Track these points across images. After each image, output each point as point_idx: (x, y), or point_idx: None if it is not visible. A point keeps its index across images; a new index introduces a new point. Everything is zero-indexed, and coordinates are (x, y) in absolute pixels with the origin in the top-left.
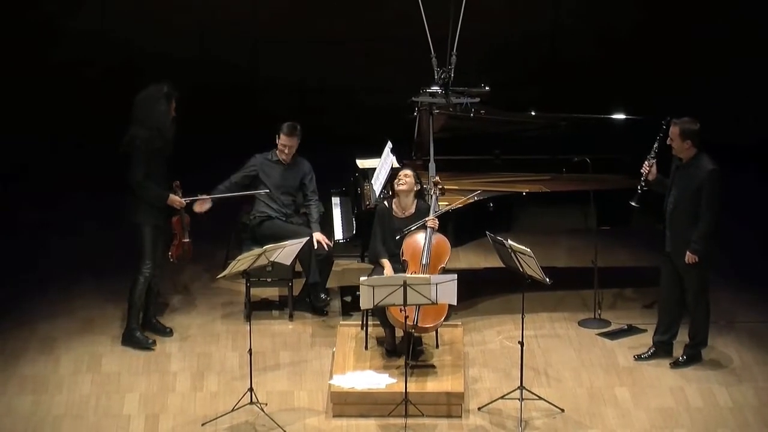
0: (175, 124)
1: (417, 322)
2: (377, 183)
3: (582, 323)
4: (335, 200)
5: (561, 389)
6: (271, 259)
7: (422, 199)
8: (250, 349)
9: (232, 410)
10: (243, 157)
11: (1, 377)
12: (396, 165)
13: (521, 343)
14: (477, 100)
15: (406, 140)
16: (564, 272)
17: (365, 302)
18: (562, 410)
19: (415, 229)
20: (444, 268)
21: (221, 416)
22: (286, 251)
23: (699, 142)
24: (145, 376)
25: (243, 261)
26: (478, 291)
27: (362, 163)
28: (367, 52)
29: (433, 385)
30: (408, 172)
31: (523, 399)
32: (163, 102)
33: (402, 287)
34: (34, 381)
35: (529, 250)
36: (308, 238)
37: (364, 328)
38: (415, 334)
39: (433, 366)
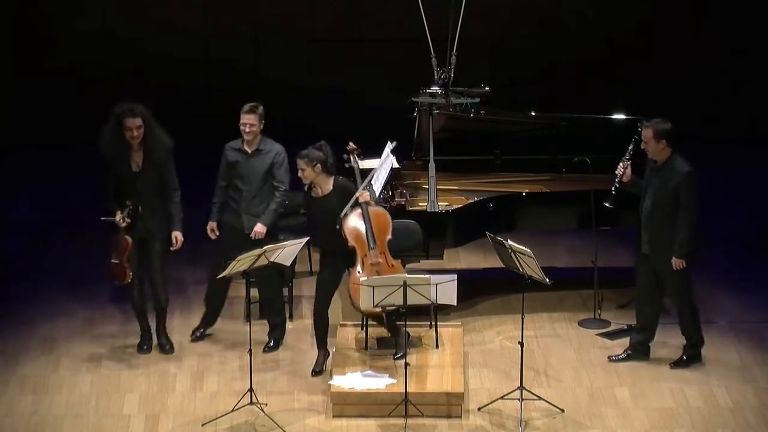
0: (132, 149)
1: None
2: (377, 183)
3: (582, 323)
4: None
5: (561, 389)
6: (271, 260)
7: (340, 175)
8: (250, 349)
9: (232, 410)
10: None
11: (2, 377)
12: (396, 165)
13: (521, 343)
14: (477, 100)
15: (406, 141)
16: (564, 272)
17: (365, 302)
18: (562, 410)
19: (350, 209)
20: (390, 239)
21: (221, 416)
22: (286, 251)
23: (673, 142)
24: (145, 376)
25: (243, 261)
26: (478, 291)
27: (362, 164)
28: (367, 52)
29: (433, 385)
30: (299, 162)
31: (523, 399)
32: (109, 123)
33: (402, 287)
34: (35, 381)
35: (529, 250)
36: (307, 238)
37: (364, 328)
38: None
39: (433, 366)
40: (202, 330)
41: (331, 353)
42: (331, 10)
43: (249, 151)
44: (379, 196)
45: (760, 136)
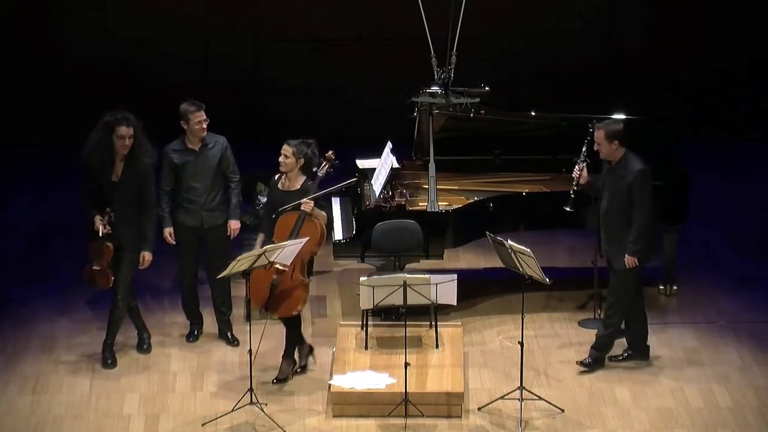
0: (116, 158)
1: (268, 309)
2: (377, 183)
3: (582, 323)
4: (335, 200)
5: (561, 389)
6: (271, 260)
7: (312, 180)
8: (250, 349)
9: (232, 410)
10: (243, 158)
11: (2, 377)
12: (396, 165)
13: (521, 343)
14: (477, 100)
15: (406, 141)
16: (564, 272)
17: (365, 302)
18: (562, 410)
19: (291, 209)
20: (306, 261)
21: (221, 416)
22: (286, 251)
23: (625, 142)
24: (145, 376)
25: (243, 261)
26: (478, 291)
27: (362, 164)
28: (367, 52)
29: (433, 385)
30: (286, 149)
31: (523, 399)
32: (98, 130)
33: (402, 287)
34: (35, 381)
35: (529, 250)
36: (307, 238)
37: (364, 328)
38: (271, 315)
39: (433, 366)
40: (195, 334)
41: (332, 352)
42: (331, 10)
43: (196, 148)
44: (379, 196)
45: (760, 135)
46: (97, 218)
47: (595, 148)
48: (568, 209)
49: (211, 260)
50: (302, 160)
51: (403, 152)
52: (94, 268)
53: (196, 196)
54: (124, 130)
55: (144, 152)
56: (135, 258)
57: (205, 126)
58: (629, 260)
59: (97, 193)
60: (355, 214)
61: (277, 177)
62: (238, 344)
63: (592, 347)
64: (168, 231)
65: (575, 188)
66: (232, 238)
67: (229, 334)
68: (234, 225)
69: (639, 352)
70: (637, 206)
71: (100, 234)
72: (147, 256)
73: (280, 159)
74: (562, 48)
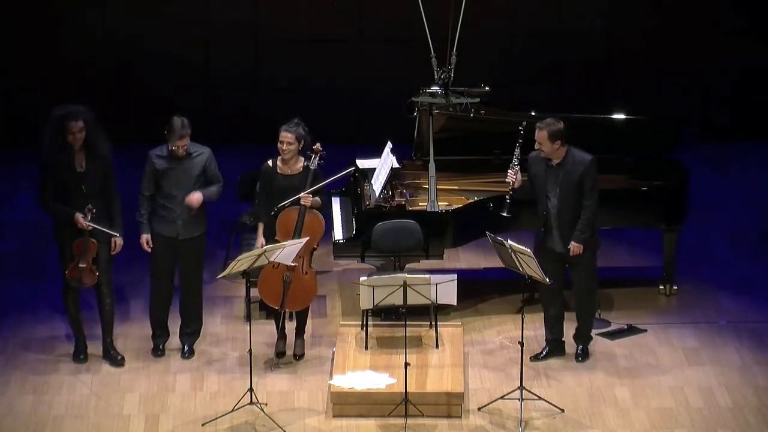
0: (75, 150)
1: (283, 306)
2: (377, 183)
3: None
4: (335, 200)
5: (561, 389)
6: (271, 259)
7: (308, 161)
8: (250, 349)
9: (232, 410)
10: (242, 158)
11: (2, 377)
12: (396, 165)
13: (521, 343)
14: (477, 100)
15: (406, 141)
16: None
17: (365, 302)
18: (562, 410)
19: (290, 205)
20: (315, 248)
21: (221, 416)
22: (286, 251)
23: (566, 140)
24: (145, 376)
25: (243, 261)
26: (478, 291)
27: (362, 163)
28: (367, 52)
29: (433, 385)
30: (288, 136)
31: (523, 399)
32: (50, 127)
33: (402, 287)
34: (35, 381)
35: (529, 250)
36: (307, 238)
37: (364, 328)
38: (288, 310)
39: (433, 366)
40: (161, 348)
41: (332, 352)
42: (331, 10)
43: (180, 156)
44: (379, 196)
45: (759, 135)
46: (78, 215)
47: (536, 147)
48: (505, 215)
49: (184, 272)
50: (301, 143)
51: (403, 152)
52: (81, 265)
53: (174, 205)
54: (74, 126)
55: (101, 140)
56: (110, 251)
57: (182, 151)
58: (575, 247)
59: (58, 192)
60: (355, 214)
61: (270, 163)
62: (189, 357)
63: (578, 341)
64: (145, 237)
65: (511, 193)
66: (188, 200)
67: (186, 346)
68: (196, 195)
69: (557, 350)
70: (588, 195)
71: (85, 230)
72: (119, 241)
73: (283, 147)
74: (562, 48)
